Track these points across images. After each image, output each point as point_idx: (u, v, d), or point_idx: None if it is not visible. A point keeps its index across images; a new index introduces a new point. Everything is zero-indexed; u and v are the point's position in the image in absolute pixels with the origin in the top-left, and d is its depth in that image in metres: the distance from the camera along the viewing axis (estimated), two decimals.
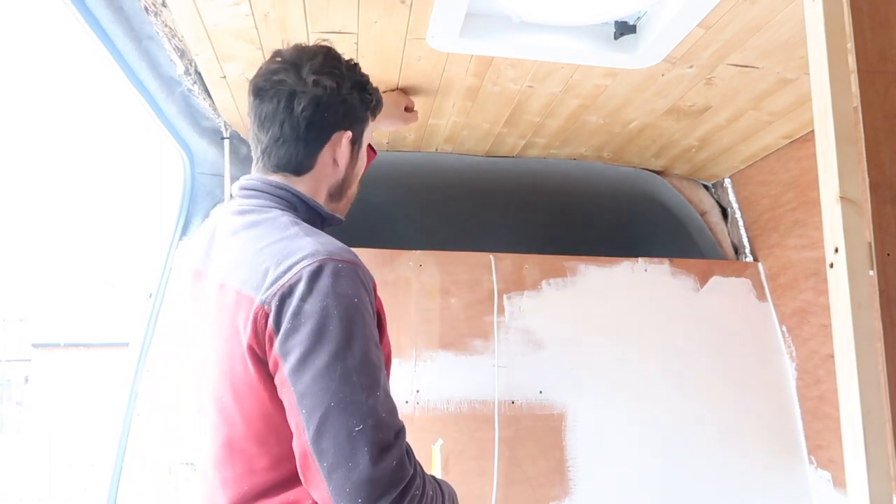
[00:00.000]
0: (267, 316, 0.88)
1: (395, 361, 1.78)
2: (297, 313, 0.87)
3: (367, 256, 1.85)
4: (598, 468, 1.81)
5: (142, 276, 1.84)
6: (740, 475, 1.87)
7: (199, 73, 1.50)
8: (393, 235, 2.09)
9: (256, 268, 0.92)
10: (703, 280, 2.04)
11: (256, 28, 1.28)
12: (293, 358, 0.86)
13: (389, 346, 1.08)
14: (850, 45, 0.93)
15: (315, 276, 0.88)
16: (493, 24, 1.30)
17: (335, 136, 1.07)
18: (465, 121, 1.77)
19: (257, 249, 0.95)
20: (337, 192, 1.11)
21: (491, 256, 1.94)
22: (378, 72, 1.46)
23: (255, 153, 1.08)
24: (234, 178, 1.82)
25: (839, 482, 1.79)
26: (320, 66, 1.05)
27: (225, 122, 1.74)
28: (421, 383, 1.79)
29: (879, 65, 0.93)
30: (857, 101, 0.92)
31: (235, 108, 1.65)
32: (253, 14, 1.23)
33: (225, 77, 1.49)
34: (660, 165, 2.11)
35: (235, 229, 1.02)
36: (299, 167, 1.05)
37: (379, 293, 1.02)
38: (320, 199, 1.08)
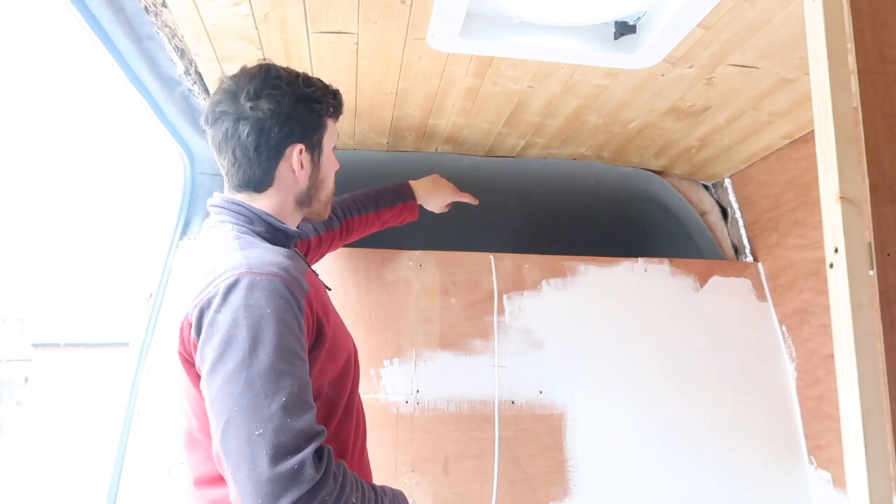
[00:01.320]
0: (190, 326, 0.97)
1: (395, 361, 1.78)
2: (211, 324, 0.94)
3: (367, 256, 1.86)
4: (598, 468, 1.81)
5: (142, 276, 1.83)
6: (740, 475, 1.87)
7: (199, 73, 1.49)
8: (393, 235, 2.09)
9: (194, 282, 1.01)
10: (703, 280, 2.04)
11: (256, 28, 1.28)
12: (206, 365, 0.93)
13: (347, 349, 1.16)
14: (850, 45, 0.93)
15: (230, 289, 0.95)
16: (493, 24, 1.30)
17: (287, 151, 1.13)
18: (465, 121, 1.77)
19: (199, 264, 1.05)
20: (305, 200, 1.19)
21: (491, 256, 1.94)
22: (378, 72, 1.46)
23: (222, 175, 1.17)
24: None
25: (839, 482, 1.79)
26: (256, 90, 1.10)
27: None
28: (421, 383, 1.79)
29: (879, 65, 0.93)
30: (857, 101, 0.92)
31: None
32: (253, 14, 1.23)
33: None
34: (660, 165, 2.11)
35: (201, 244, 1.12)
36: (259, 185, 1.13)
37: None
38: (287, 209, 1.16)
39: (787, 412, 1.95)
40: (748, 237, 2.14)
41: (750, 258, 2.13)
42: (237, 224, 1.10)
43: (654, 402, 1.89)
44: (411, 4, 1.20)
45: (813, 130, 0.93)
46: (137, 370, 1.66)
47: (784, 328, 2.00)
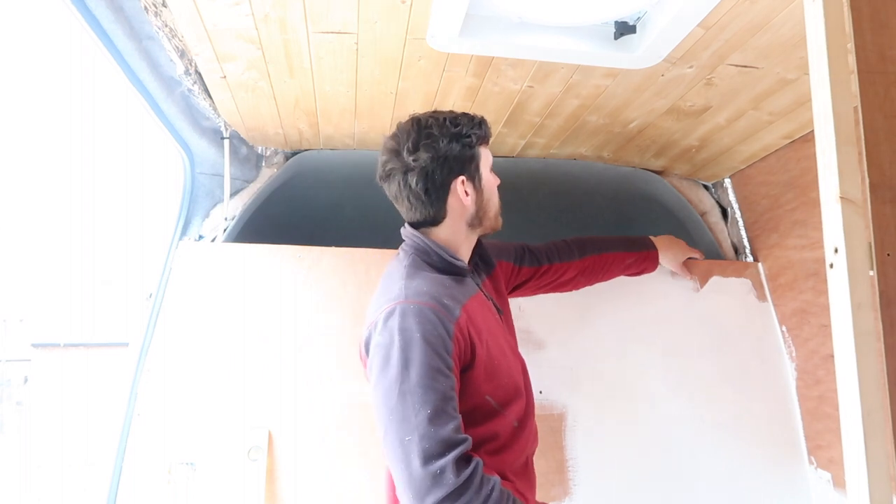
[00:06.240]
0: (362, 346, 1.22)
1: None
2: (375, 346, 1.16)
3: (367, 256, 1.86)
4: (598, 468, 1.81)
5: (142, 276, 1.83)
6: (740, 475, 1.87)
7: (199, 73, 1.49)
8: (393, 235, 2.09)
9: (373, 306, 1.25)
10: (703, 280, 2.04)
11: (256, 28, 1.28)
12: (371, 380, 1.15)
13: (498, 364, 1.27)
14: (850, 46, 0.93)
15: (388, 316, 1.16)
16: (493, 24, 1.30)
17: (452, 187, 1.30)
18: None
19: (380, 289, 1.29)
20: (476, 221, 1.35)
21: None
22: (378, 72, 1.46)
23: (402, 215, 1.37)
24: (233, 178, 1.83)
25: (839, 482, 1.79)
26: (414, 143, 1.28)
27: (225, 121, 1.74)
28: None
29: (879, 65, 0.93)
30: (857, 101, 0.92)
31: (235, 108, 1.65)
32: (253, 14, 1.23)
33: (225, 77, 1.49)
34: (660, 165, 2.11)
35: (390, 268, 1.34)
36: (435, 220, 1.33)
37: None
38: (461, 234, 1.34)
39: (787, 412, 1.95)
40: (748, 237, 2.14)
41: (750, 258, 2.13)
42: (415, 255, 1.30)
43: (653, 402, 1.89)
44: (411, 4, 1.20)
45: (813, 130, 0.92)
46: (137, 370, 1.66)
47: (784, 328, 2.00)
